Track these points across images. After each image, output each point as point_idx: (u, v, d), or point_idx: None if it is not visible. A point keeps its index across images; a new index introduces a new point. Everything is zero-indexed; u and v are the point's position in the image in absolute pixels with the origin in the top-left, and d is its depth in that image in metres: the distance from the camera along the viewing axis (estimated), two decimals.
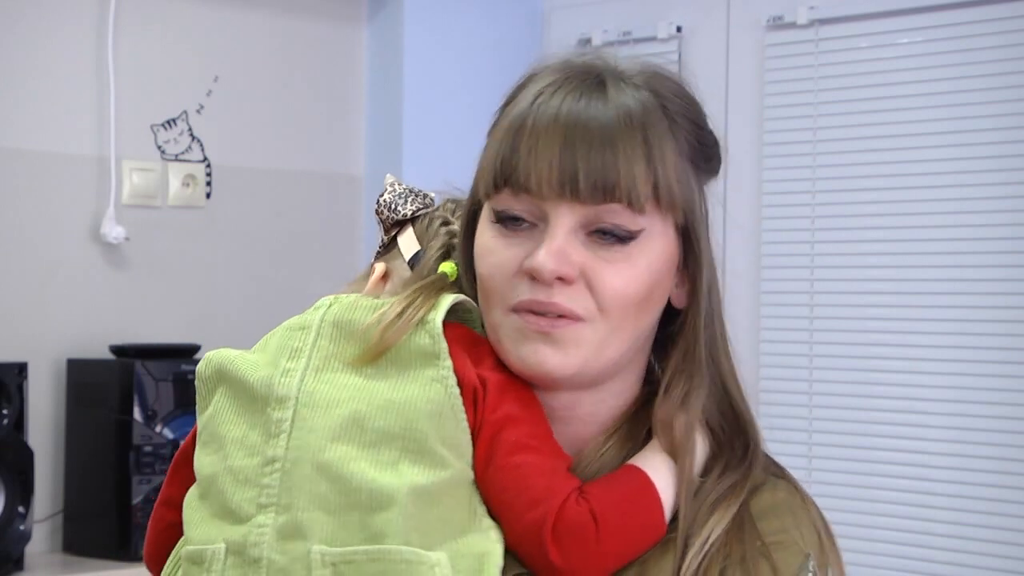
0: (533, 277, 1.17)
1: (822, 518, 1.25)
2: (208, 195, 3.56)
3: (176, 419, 3.16)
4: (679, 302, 1.25)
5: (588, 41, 3.88)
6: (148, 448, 3.10)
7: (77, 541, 3.20)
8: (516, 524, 1.14)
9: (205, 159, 3.56)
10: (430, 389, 1.15)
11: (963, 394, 3.25)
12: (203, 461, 1.22)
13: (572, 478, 1.17)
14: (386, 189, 1.36)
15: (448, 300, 1.21)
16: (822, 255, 3.49)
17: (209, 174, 3.56)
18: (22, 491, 2.99)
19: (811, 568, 1.20)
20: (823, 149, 3.49)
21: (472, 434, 1.16)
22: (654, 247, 1.19)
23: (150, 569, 1.34)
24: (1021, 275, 3.18)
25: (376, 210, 1.36)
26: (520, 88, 1.25)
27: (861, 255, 3.42)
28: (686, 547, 1.17)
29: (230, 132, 3.60)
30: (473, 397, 1.17)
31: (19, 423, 3.01)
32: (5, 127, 3.25)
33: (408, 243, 1.34)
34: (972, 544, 3.22)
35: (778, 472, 1.27)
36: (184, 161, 3.52)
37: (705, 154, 1.25)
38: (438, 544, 1.12)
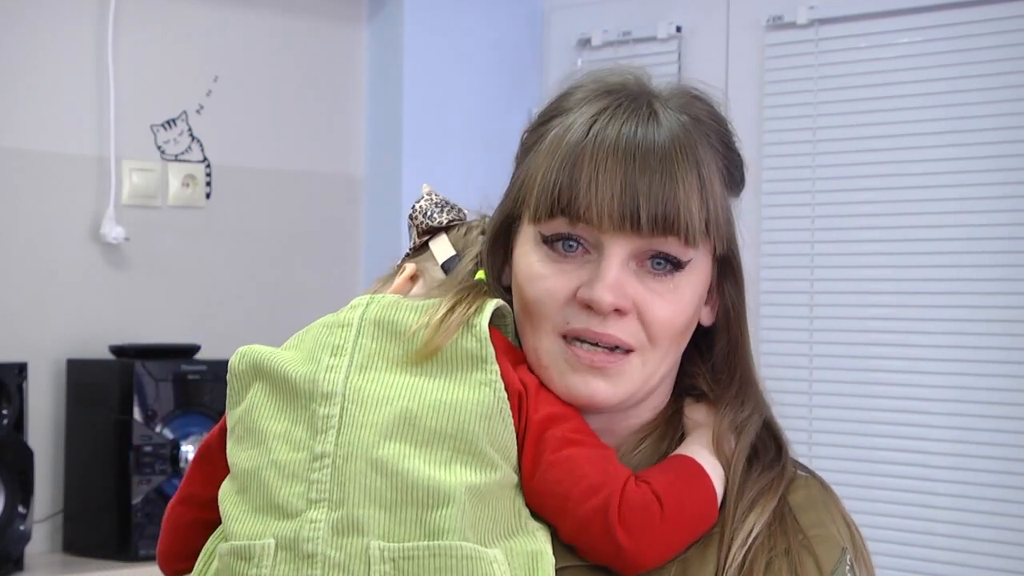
0: (589, 306, 1.19)
1: (848, 513, 1.30)
2: (208, 195, 3.56)
3: (176, 419, 3.15)
4: (706, 320, 1.29)
5: (588, 41, 3.88)
6: (148, 448, 3.10)
7: (77, 541, 3.20)
8: (576, 513, 1.16)
9: (205, 159, 3.56)
10: (480, 392, 1.17)
11: (963, 394, 3.25)
12: (240, 456, 1.22)
13: (624, 466, 1.19)
14: (423, 197, 1.39)
15: (492, 304, 1.22)
16: (822, 255, 3.49)
17: (209, 174, 3.56)
18: (22, 491, 2.99)
19: (848, 561, 1.23)
20: (823, 149, 3.49)
21: (518, 437, 1.18)
22: (697, 277, 1.23)
23: (165, 566, 1.34)
24: (1021, 275, 3.18)
25: (410, 215, 1.39)
26: (559, 109, 1.25)
27: (861, 255, 3.42)
28: (731, 541, 1.20)
29: (230, 132, 3.60)
30: (519, 401, 1.19)
31: (19, 423, 3.01)
32: (5, 127, 3.25)
33: (442, 248, 1.36)
34: (973, 544, 3.22)
35: (804, 470, 1.31)
36: (184, 161, 3.52)
37: (735, 176, 1.29)
38: (491, 543, 1.14)
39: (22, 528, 2.98)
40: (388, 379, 1.19)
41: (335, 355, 1.21)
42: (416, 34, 3.78)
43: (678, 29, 3.73)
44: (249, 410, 1.23)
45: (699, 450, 1.24)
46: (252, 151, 3.64)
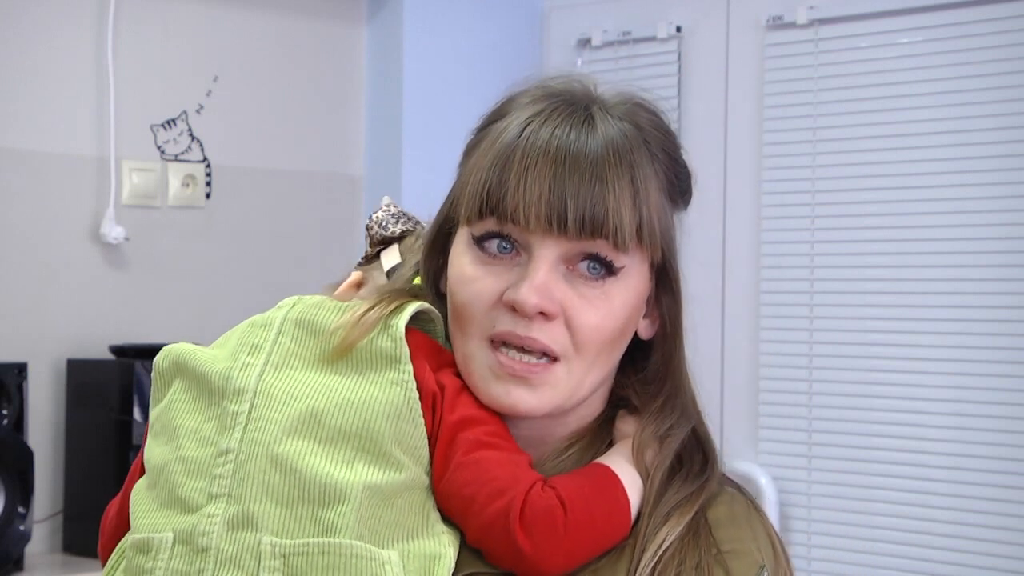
0: (514, 309, 1.17)
1: (776, 532, 1.27)
2: (208, 195, 3.56)
3: None
4: (645, 333, 1.27)
5: (588, 41, 3.88)
6: None
7: (77, 541, 3.20)
8: (480, 516, 1.15)
9: (205, 159, 3.56)
10: (389, 392, 1.16)
11: (963, 394, 3.25)
12: (154, 452, 1.22)
13: (535, 471, 1.18)
14: (381, 208, 1.40)
15: (412, 307, 1.21)
16: (822, 255, 3.49)
17: (209, 174, 3.56)
18: (22, 491, 2.99)
19: None
20: (823, 149, 3.49)
21: (430, 440, 1.17)
22: (630, 285, 1.21)
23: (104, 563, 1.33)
24: (1020, 275, 3.18)
25: (367, 225, 1.40)
26: (500, 113, 1.24)
27: (861, 255, 3.42)
28: (642, 552, 1.18)
29: (230, 132, 3.60)
30: (432, 403, 1.18)
31: (19, 423, 3.01)
32: (5, 127, 3.25)
33: (391, 257, 1.37)
34: (972, 544, 3.22)
35: (734, 487, 1.28)
36: (184, 161, 3.52)
37: (680, 188, 1.26)
38: (389, 544, 1.13)
39: (22, 528, 2.98)
40: (301, 377, 1.19)
41: (253, 353, 1.21)
42: (416, 34, 3.78)
43: (678, 29, 3.73)
44: (168, 407, 1.24)
45: (618, 459, 1.22)
46: (252, 151, 3.64)
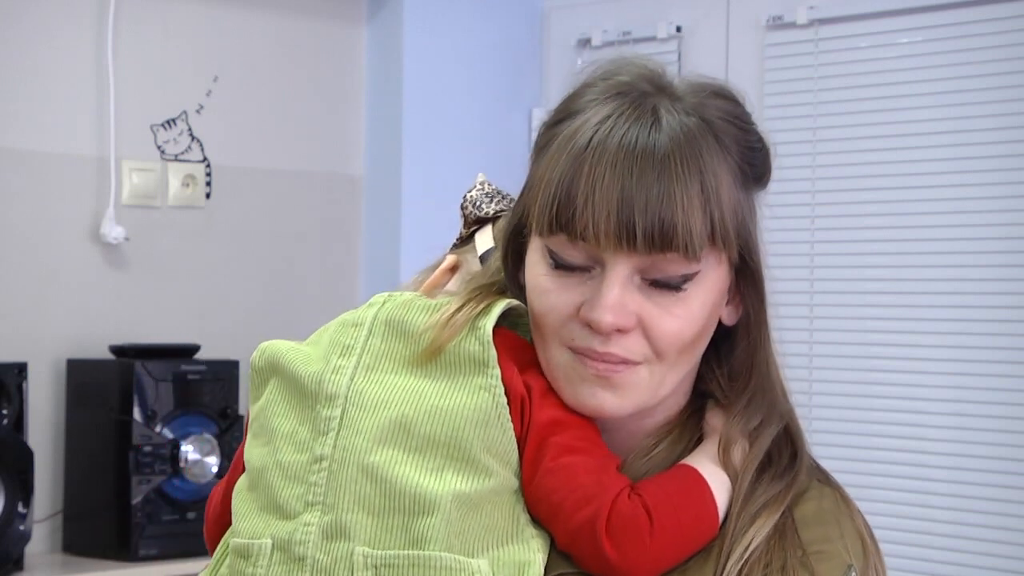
0: (590, 325, 1.17)
1: (867, 526, 1.25)
2: (208, 195, 3.56)
3: (176, 419, 3.16)
4: (729, 319, 1.26)
5: (588, 41, 3.88)
6: (148, 448, 3.10)
7: (77, 541, 3.20)
8: (568, 523, 1.15)
9: (205, 159, 3.56)
10: (478, 397, 1.16)
11: (963, 394, 3.25)
12: (253, 452, 1.23)
13: (622, 476, 1.18)
14: (475, 186, 1.37)
15: (500, 306, 1.21)
16: (822, 255, 3.49)
17: (209, 174, 3.56)
18: (22, 491, 2.99)
19: None
20: (823, 149, 3.49)
21: (518, 442, 1.17)
22: (708, 284, 1.19)
23: (211, 545, 1.34)
24: (1020, 275, 3.18)
25: (461, 205, 1.37)
26: (570, 110, 1.21)
27: (861, 255, 3.42)
28: (728, 555, 1.18)
29: (230, 132, 3.60)
30: (520, 405, 1.17)
31: (19, 423, 3.01)
32: (5, 127, 3.25)
33: (484, 240, 1.34)
34: (971, 544, 3.22)
35: (823, 478, 1.27)
36: (184, 161, 3.52)
37: (756, 173, 1.24)
38: (479, 552, 1.13)
39: (22, 528, 2.98)
40: (391, 381, 1.18)
41: (344, 355, 1.20)
42: (416, 34, 3.78)
43: (678, 29, 3.73)
44: (264, 407, 1.24)
45: (705, 460, 1.22)
46: (252, 151, 3.64)
